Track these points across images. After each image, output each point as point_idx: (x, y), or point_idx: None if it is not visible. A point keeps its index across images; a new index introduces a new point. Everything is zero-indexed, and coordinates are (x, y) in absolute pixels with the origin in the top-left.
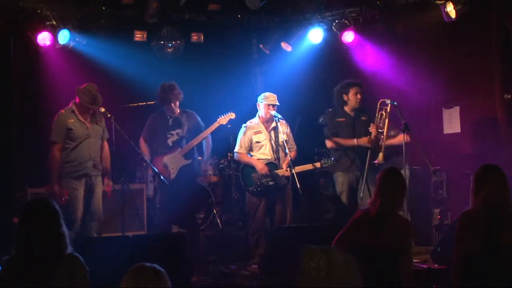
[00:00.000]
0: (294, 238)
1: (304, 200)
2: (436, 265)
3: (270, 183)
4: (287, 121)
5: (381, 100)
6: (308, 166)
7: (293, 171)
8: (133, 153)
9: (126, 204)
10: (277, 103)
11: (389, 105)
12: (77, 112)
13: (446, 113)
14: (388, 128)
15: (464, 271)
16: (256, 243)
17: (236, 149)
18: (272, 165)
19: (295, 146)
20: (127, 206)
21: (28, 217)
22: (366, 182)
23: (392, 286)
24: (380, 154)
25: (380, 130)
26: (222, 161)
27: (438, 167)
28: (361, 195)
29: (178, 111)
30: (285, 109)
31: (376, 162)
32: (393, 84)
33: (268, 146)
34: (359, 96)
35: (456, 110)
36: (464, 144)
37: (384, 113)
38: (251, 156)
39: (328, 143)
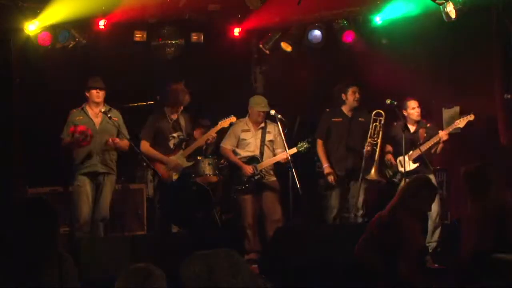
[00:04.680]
0: (294, 238)
1: (304, 200)
2: (436, 265)
3: (256, 177)
4: (287, 121)
5: (375, 111)
6: (281, 156)
7: (293, 171)
8: (133, 153)
9: (126, 204)
10: (268, 109)
11: (384, 116)
12: (87, 108)
13: (446, 113)
14: (382, 140)
15: (472, 270)
16: (251, 240)
17: (221, 143)
18: (255, 159)
19: (282, 149)
20: (127, 206)
21: (24, 216)
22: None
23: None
24: (373, 170)
25: (374, 142)
26: (222, 161)
27: (438, 167)
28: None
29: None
30: (285, 109)
31: (368, 178)
32: (392, 84)
33: (253, 144)
34: (357, 95)
35: (456, 110)
36: (464, 144)
37: (378, 125)
38: (238, 153)
39: (318, 143)
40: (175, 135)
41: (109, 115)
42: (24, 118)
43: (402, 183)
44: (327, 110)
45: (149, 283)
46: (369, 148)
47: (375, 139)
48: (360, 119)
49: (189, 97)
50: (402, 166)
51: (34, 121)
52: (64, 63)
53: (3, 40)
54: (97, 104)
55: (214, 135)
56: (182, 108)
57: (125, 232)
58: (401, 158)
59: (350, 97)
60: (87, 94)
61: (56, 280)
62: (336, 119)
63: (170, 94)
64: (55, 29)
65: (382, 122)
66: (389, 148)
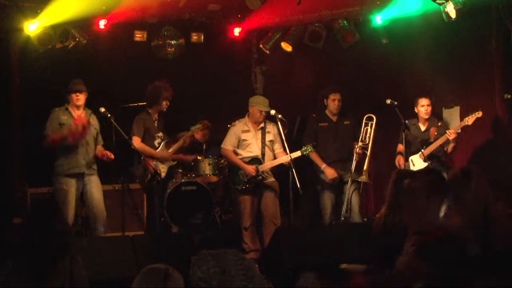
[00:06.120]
0: (294, 238)
1: (304, 200)
2: None
3: (258, 178)
4: (287, 121)
5: (367, 115)
6: (285, 158)
7: (294, 172)
8: (132, 152)
9: (126, 204)
10: (269, 109)
11: (375, 120)
12: (70, 110)
13: (446, 113)
14: (373, 143)
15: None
16: (250, 239)
17: (222, 145)
18: (257, 160)
19: (281, 149)
20: (127, 206)
21: (36, 219)
22: (349, 197)
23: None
24: (364, 172)
25: (364, 146)
26: (222, 161)
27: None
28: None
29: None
30: (285, 109)
31: (359, 180)
32: (393, 83)
33: (255, 144)
34: (337, 102)
35: (456, 110)
36: (464, 144)
37: (369, 129)
38: (238, 153)
39: None
40: (159, 134)
41: (90, 118)
42: (24, 118)
43: None
44: (313, 115)
45: (168, 284)
46: (359, 151)
47: (366, 142)
48: (345, 122)
49: (171, 93)
50: (413, 165)
51: (34, 121)
52: (64, 63)
53: (3, 40)
54: (78, 107)
55: (190, 139)
56: (166, 105)
57: (125, 232)
58: (412, 157)
59: (330, 103)
60: (69, 97)
61: (67, 281)
62: (322, 124)
63: (149, 92)
64: (55, 29)
65: (374, 126)
66: (400, 148)
